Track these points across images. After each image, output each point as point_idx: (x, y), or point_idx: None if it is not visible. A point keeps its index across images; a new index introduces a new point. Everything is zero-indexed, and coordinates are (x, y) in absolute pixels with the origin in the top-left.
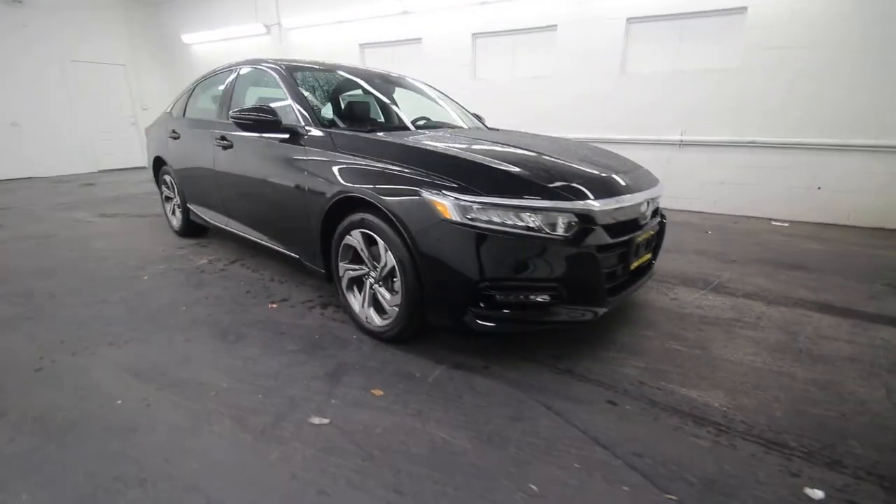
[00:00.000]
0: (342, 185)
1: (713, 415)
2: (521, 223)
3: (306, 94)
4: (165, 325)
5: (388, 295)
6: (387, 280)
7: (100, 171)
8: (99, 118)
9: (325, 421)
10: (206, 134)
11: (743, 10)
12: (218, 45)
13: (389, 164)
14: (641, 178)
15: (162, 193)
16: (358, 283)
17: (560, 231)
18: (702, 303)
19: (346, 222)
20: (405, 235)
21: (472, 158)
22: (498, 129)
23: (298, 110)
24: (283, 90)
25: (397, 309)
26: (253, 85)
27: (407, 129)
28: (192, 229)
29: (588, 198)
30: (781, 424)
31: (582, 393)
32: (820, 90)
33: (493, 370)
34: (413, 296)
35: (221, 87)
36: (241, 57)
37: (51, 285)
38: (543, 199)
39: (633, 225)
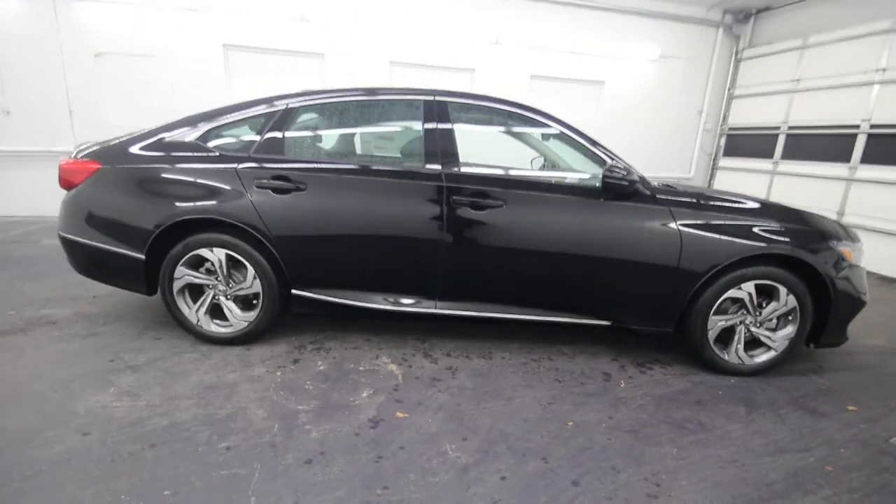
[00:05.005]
0: (752, 244)
1: None
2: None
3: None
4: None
5: (777, 333)
6: (763, 323)
7: None
8: None
9: None
10: (408, 188)
11: (602, 82)
12: None
13: (770, 221)
14: None
15: (172, 281)
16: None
17: None
18: None
19: (728, 278)
20: (826, 279)
21: (811, 214)
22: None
23: (624, 165)
24: (578, 140)
25: (787, 342)
26: (467, 125)
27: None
28: (267, 327)
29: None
30: None
31: None
32: (645, 140)
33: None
34: (807, 328)
35: (407, 126)
36: None
37: None
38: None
39: None
